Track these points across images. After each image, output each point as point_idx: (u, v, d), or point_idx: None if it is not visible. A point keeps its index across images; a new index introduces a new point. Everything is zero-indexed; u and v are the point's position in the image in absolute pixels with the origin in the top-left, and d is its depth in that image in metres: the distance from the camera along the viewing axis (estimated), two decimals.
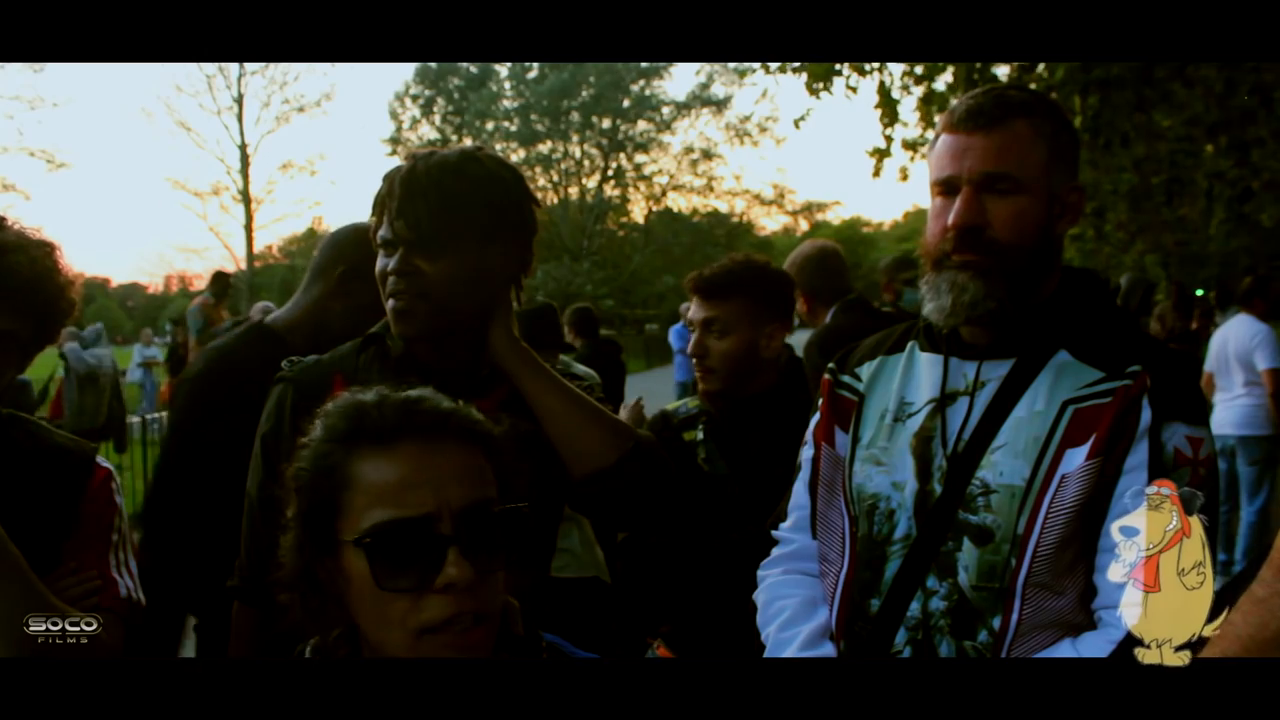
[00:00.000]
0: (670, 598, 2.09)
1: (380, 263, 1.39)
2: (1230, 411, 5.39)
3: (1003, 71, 7.33)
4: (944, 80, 7.83)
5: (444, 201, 1.34)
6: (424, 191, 1.34)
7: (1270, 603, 0.81)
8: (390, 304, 1.38)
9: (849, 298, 3.25)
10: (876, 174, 8.16)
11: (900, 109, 8.05)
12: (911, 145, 8.13)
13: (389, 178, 1.38)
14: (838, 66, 7.57)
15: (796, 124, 12.10)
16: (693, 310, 2.04)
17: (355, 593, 0.89)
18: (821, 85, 7.70)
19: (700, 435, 2.03)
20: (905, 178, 8.25)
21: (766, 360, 2.02)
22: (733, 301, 1.98)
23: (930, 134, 7.68)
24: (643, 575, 2.02)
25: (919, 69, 7.69)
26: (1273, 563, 0.82)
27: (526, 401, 1.39)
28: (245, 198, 30.77)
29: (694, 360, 2.04)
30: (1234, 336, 5.57)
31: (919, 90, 7.99)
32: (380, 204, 1.39)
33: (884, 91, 7.90)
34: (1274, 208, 9.51)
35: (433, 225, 1.34)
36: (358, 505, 0.88)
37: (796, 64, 7.80)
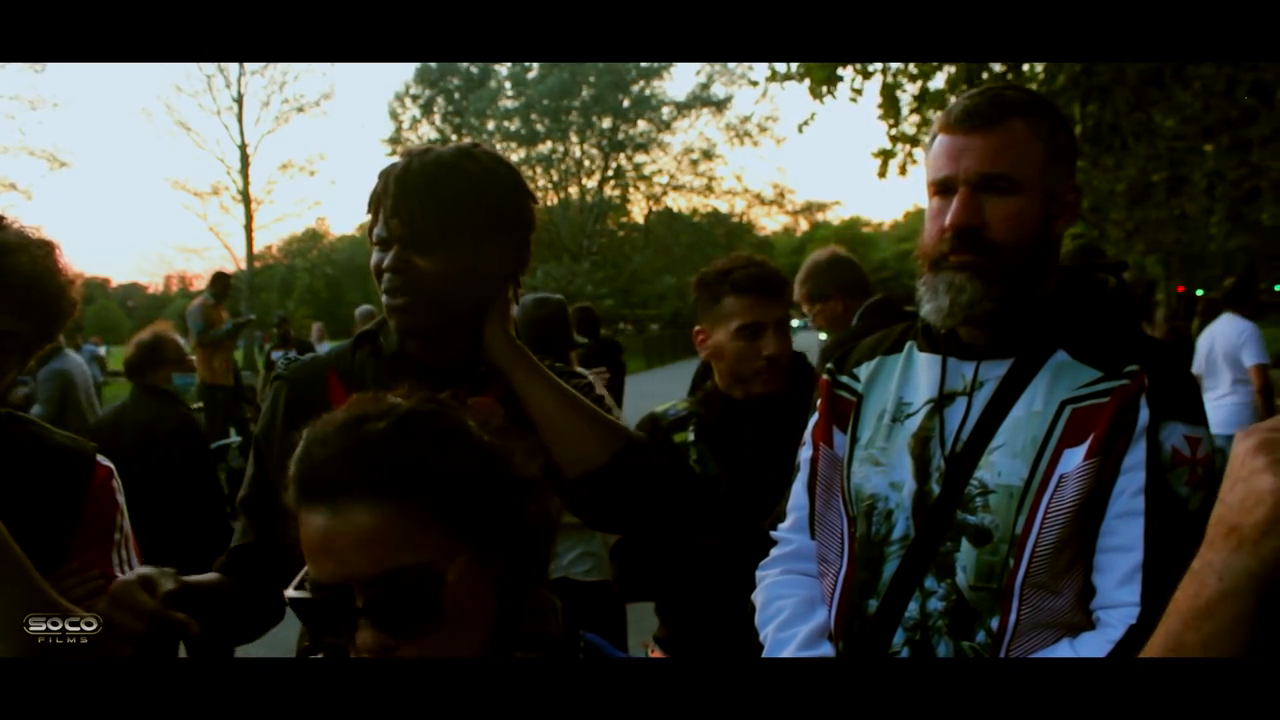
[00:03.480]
0: (666, 601, 2.08)
1: (375, 258, 1.39)
2: (1218, 411, 5.41)
3: (998, 69, 7.34)
4: (941, 78, 7.83)
5: (438, 198, 1.34)
6: (418, 188, 1.34)
7: (1201, 573, 0.86)
8: (385, 299, 1.38)
9: (874, 300, 3.22)
10: (883, 175, 8.15)
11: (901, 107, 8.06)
12: (910, 140, 8.12)
13: (384, 175, 1.38)
14: (840, 71, 7.58)
15: (800, 129, 12.12)
16: (760, 311, 1.97)
17: None
18: (825, 90, 7.69)
19: (691, 437, 2.01)
20: (904, 173, 8.24)
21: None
22: (787, 301, 2.02)
23: (925, 130, 7.70)
24: (638, 579, 2.01)
25: (913, 67, 7.69)
26: (1206, 539, 0.87)
27: (520, 400, 1.39)
28: (245, 198, 30.78)
29: (768, 363, 1.96)
30: (1221, 335, 5.61)
31: (913, 87, 8.00)
32: (375, 201, 1.39)
33: (888, 92, 7.89)
34: (1275, 207, 9.51)
35: (427, 221, 1.34)
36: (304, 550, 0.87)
37: (800, 71, 7.80)
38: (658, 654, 2.04)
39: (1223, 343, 5.56)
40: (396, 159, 1.41)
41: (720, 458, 1.98)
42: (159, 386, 3.85)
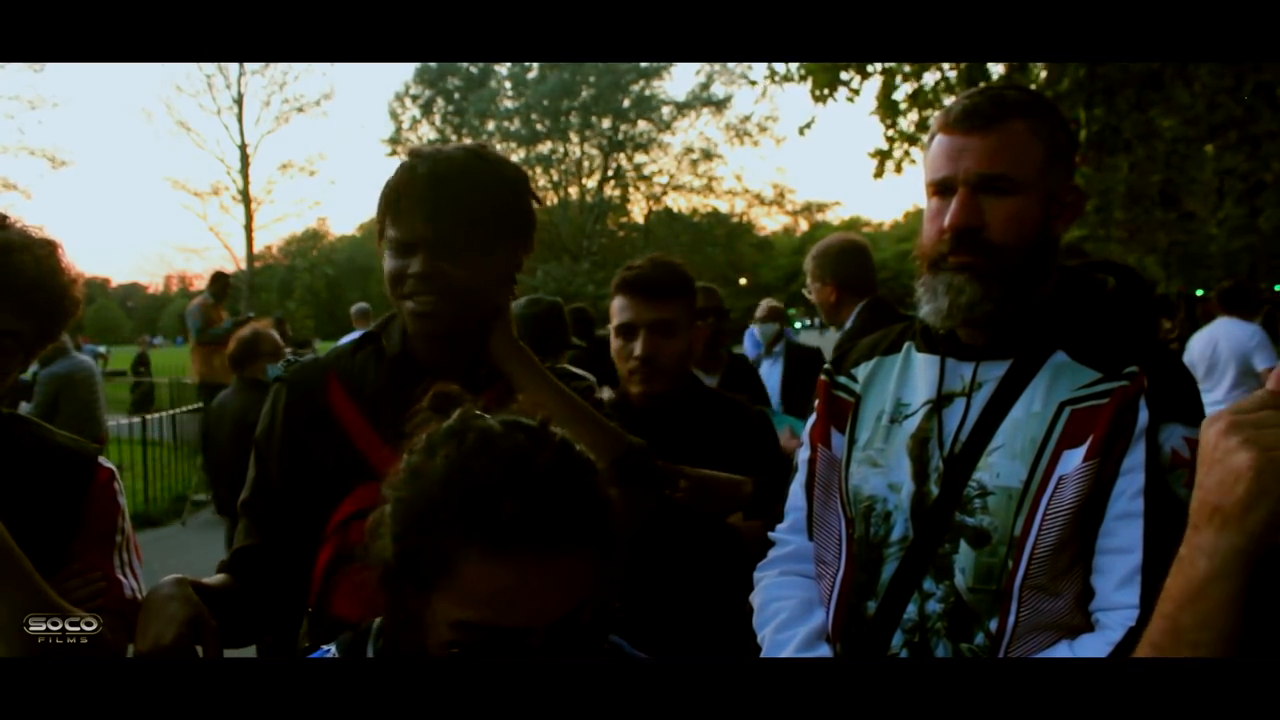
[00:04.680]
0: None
1: (395, 264, 1.38)
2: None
3: (999, 71, 7.34)
4: (932, 78, 7.85)
5: (465, 203, 1.34)
6: (445, 193, 1.34)
7: (1190, 557, 0.91)
8: (410, 305, 1.38)
9: (871, 300, 3.22)
10: (879, 175, 8.16)
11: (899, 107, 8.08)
12: (908, 139, 8.14)
13: (403, 178, 1.37)
14: (843, 75, 7.61)
15: (801, 131, 12.15)
16: (633, 312, 1.97)
17: (430, 644, 0.88)
18: (826, 92, 7.71)
19: None
20: (899, 170, 8.25)
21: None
22: (679, 301, 1.98)
23: (923, 129, 7.74)
24: None
25: (907, 65, 7.72)
26: (1190, 524, 0.92)
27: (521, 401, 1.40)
28: (245, 198, 30.76)
29: (639, 364, 1.96)
30: (1226, 338, 5.59)
31: (908, 86, 8.02)
32: (393, 204, 1.37)
33: (885, 91, 7.91)
34: (1274, 210, 9.56)
35: (454, 226, 1.34)
36: (455, 595, 0.84)
37: (802, 73, 7.83)
38: None
39: (1229, 345, 5.55)
40: (403, 159, 1.40)
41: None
42: (256, 378, 4.23)
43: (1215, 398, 5.48)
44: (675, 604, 1.84)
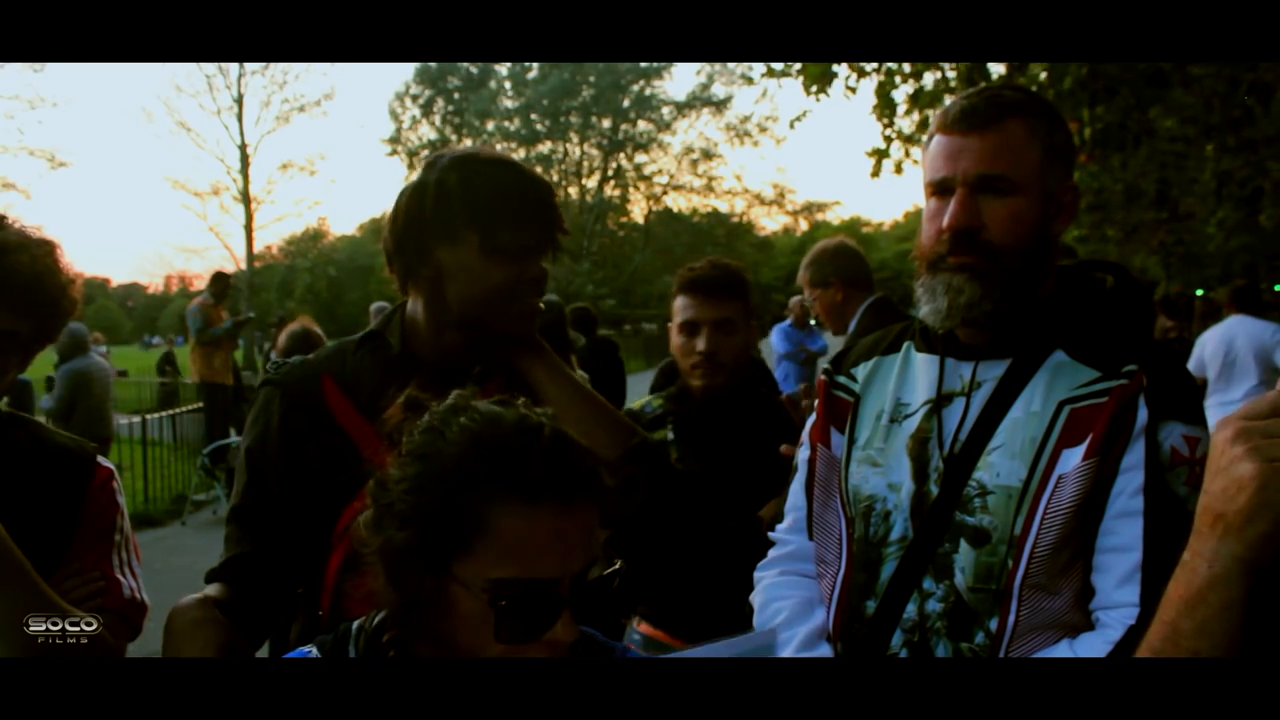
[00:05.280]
0: (647, 590, 2.11)
1: (506, 270, 1.39)
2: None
3: (999, 70, 7.34)
4: (932, 78, 7.84)
5: (557, 207, 1.43)
6: (549, 199, 1.41)
7: (1192, 563, 0.91)
8: (519, 308, 1.43)
9: (876, 299, 3.24)
10: (875, 174, 8.16)
11: (896, 107, 8.06)
12: (907, 139, 8.13)
13: (505, 184, 1.39)
14: (835, 69, 7.59)
15: (792, 124, 12.18)
16: (696, 310, 2.07)
17: (455, 618, 0.91)
18: (818, 88, 7.70)
19: (670, 435, 2.09)
20: (900, 172, 8.24)
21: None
22: (738, 301, 2.08)
23: (922, 130, 7.72)
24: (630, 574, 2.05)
25: (907, 65, 7.70)
26: (1194, 529, 0.92)
27: (535, 391, 1.41)
28: (245, 198, 30.68)
29: (701, 358, 2.05)
30: (1245, 336, 5.53)
31: (908, 87, 8.01)
32: (500, 210, 1.37)
33: (883, 92, 7.90)
34: (1275, 209, 9.55)
35: (556, 232, 1.43)
36: (487, 554, 0.89)
37: (796, 68, 7.82)
38: (645, 627, 2.06)
39: (1249, 343, 5.49)
40: (456, 163, 1.40)
41: (699, 453, 2.05)
42: None
43: (1232, 396, 5.43)
44: (705, 596, 1.87)
